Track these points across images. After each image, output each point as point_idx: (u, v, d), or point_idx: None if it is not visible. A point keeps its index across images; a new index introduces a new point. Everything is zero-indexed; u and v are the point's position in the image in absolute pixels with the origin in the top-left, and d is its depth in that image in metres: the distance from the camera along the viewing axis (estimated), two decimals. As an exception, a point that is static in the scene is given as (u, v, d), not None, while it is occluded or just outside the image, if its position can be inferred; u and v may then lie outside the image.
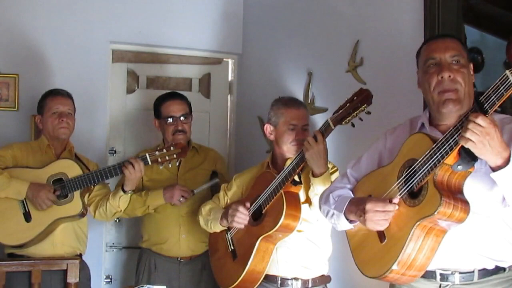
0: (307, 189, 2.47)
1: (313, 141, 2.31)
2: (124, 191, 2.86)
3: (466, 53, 1.88)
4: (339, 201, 2.01)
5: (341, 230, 2.08)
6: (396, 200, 1.78)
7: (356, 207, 1.89)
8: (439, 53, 1.84)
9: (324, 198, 2.11)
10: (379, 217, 1.79)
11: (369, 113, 2.21)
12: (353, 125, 2.26)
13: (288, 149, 2.57)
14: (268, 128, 2.65)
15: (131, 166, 2.75)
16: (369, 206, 1.80)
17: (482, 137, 1.54)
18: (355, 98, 2.22)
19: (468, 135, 1.55)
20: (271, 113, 2.64)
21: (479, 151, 1.58)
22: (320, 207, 2.16)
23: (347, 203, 1.96)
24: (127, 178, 2.80)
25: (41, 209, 2.75)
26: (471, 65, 1.89)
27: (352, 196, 2.02)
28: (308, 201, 2.50)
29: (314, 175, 2.37)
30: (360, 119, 2.24)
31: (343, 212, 1.96)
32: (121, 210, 2.94)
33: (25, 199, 2.78)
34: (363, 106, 2.19)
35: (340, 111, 2.27)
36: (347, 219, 1.97)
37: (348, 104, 2.24)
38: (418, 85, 1.96)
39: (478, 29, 2.48)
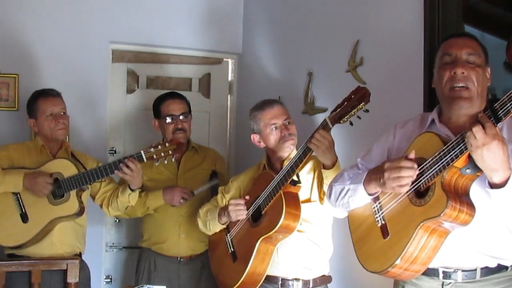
0: (320, 186, 2.46)
1: (321, 137, 2.28)
2: (132, 190, 2.86)
3: (484, 55, 1.86)
4: (354, 176, 1.99)
5: (344, 227, 2.07)
6: (412, 156, 1.74)
7: (375, 174, 1.87)
8: (455, 49, 1.84)
9: (337, 178, 2.09)
10: (395, 174, 1.74)
11: (367, 111, 2.20)
12: (351, 123, 2.25)
13: (281, 149, 2.57)
14: (254, 138, 2.65)
15: (126, 167, 2.73)
16: (387, 164, 1.78)
17: (481, 147, 1.54)
18: (352, 96, 2.21)
19: (467, 134, 1.56)
20: (251, 122, 2.65)
21: (476, 159, 1.58)
22: (329, 192, 2.12)
23: (365, 174, 1.93)
24: (127, 180, 2.80)
25: (42, 195, 2.74)
26: (489, 69, 1.88)
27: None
28: (321, 196, 2.49)
29: (326, 168, 2.35)
30: (358, 117, 2.22)
31: (362, 182, 1.92)
32: (132, 205, 2.95)
33: (21, 200, 2.77)
34: (361, 104, 2.17)
35: (338, 109, 2.25)
36: (367, 192, 1.93)
37: (346, 103, 2.23)
38: (433, 83, 1.96)
39: (478, 29, 2.48)
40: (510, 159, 1.62)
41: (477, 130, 1.54)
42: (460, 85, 1.80)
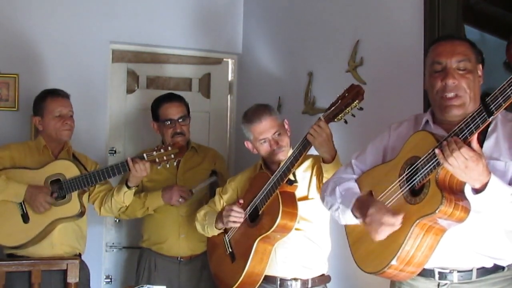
0: (320, 181, 2.44)
1: (319, 128, 2.28)
2: (129, 187, 2.86)
3: (475, 55, 1.86)
4: (345, 195, 1.98)
5: (342, 226, 2.07)
6: (399, 218, 1.75)
7: (360, 207, 1.88)
8: (445, 57, 1.83)
9: (330, 191, 2.07)
10: (375, 226, 1.77)
11: (361, 109, 2.19)
12: (345, 121, 2.25)
13: (272, 160, 2.58)
14: (248, 144, 2.67)
15: (138, 165, 2.73)
16: (371, 210, 1.79)
17: (462, 167, 1.59)
18: (346, 94, 2.21)
19: (450, 160, 1.60)
20: (243, 130, 2.65)
21: (457, 176, 1.64)
22: (323, 199, 2.12)
23: (354, 200, 1.93)
24: (133, 175, 2.80)
25: (38, 212, 2.75)
26: (480, 66, 1.87)
27: (359, 191, 1.98)
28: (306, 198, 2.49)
29: (326, 161, 2.34)
30: (353, 115, 2.22)
31: (350, 208, 1.93)
32: (126, 205, 2.95)
33: (23, 200, 2.77)
34: (355, 102, 2.17)
35: (332, 108, 2.25)
36: (354, 215, 1.93)
37: (340, 101, 2.22)
38: (425, 85, 1.96)
39: (478, 29, 2.47)
40: (504, 158, 1.70)
41: (457, 155, 1.58)
42: (452, 94, 1.81)
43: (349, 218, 1.96)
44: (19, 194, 2.75)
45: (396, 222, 1.73)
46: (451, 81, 1.80)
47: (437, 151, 1.64)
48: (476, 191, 1.65)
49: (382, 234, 1.76)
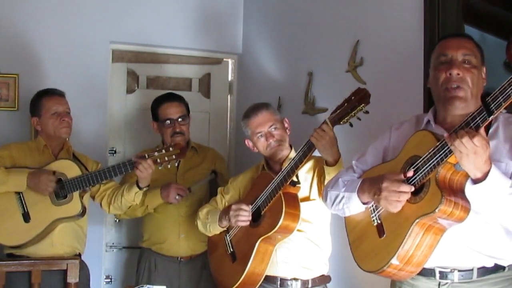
0: (321, 183, 2.45)
1: (322, 131, 2.29)
2: (140, 188, 2.85)
3: (480, 54, 1.87)
4: (349, 183, 1.99)
5: (342, 227, 2.07)
6: (410, 174, 1.76)
7: (370, 185, 1.87)
8: (451, 50, 1.84)
9: (332, 184, 2.09)
10: (394, 197, 1.76)
11: (367, 112, 2.20)
12: (351, 124, 2.25)
13: (271, 155, 2.59)
14: (248, 143, 2.68)
15: (141, 165, 2.73)
16: (385, 184, 1.78)
17: (470, 153, 1.57)
18: (352, 97, 2.21)
19: (456, 144, 1.58)
20: (243, 128, 2.67)
21: (463, 163, 1.62)
22: (325, 197, 2.12)
23: (359, 183, 1.93)
24: (139, 176, 2.79)
25: (46, 194, 2.74)
26: (484, 69, 1.88)
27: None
28: (321, 193, 2.49)
29: (329, 164, 2.34)
30: (358, 118, 2.23)
31: (356, 191, 1.92)
32: (136, 203, 2.94)
33: (24, 200, 2.77)
34: (361, 106, 2.17)
35: (338, 110, 2.26)
36: (361, 201, 1.93)
37: (346, 104, 2.23)
38: (428, 83, 1.96)
39: (478, 29, 2.47)
40: (504, 160, 1.70)
41: (466, 140, 1.56)
42: (455, 85, 1.81)
43: (355, 205, 1.95)
44: (21, 183, 2.74)
45: (411, 189, 1.73)
46: (455, 71, 1.80)
47: (446, 135, 1.63)
48: (475, 182, 1.64)
49: (399, 204, 1.75)
